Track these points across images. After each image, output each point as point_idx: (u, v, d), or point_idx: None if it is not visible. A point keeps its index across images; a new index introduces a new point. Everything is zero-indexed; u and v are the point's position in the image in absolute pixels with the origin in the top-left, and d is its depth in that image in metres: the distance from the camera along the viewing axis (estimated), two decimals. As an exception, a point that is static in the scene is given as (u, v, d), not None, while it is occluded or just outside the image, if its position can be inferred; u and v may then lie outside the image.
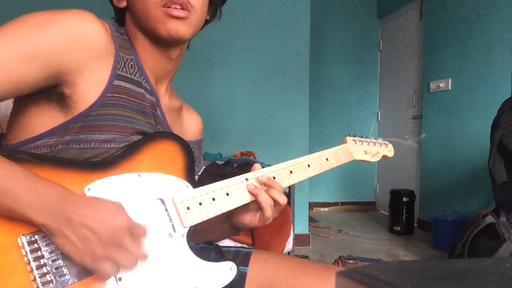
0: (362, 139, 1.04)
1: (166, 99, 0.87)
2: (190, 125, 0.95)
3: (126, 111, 0.73)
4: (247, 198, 0.80)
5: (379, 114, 4.91)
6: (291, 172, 0.87)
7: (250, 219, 0.83)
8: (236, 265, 0.76)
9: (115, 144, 0.71)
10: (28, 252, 0.59)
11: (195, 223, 0.74)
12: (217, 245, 0.91)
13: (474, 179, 3.19)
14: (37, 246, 0.60)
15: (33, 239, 0.60)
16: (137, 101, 0.76)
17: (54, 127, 0.69)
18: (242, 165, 2.26)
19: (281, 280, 0.83)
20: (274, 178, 0.84)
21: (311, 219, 3.95)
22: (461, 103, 3.36)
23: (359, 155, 1.02)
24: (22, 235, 0.60)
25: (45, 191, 0.59)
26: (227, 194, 0.78)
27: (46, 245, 0.61)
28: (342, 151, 0.98)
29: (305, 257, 2.70)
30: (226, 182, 0.79)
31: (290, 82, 3.21)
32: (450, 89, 3.50)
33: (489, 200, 2.96)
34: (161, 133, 0.78)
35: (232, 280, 0.75)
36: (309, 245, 3.27)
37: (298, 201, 3.10)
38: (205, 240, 0.93)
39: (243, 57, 3.15)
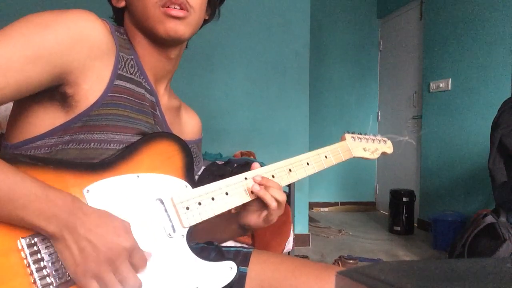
0: (360, 136, 1.03)
1: (165, 99, 0.87)
2: (189, 125, 0.95)
3: (126, 111, 0.73)
4: (246, 198, 0.80)
5: (379, 114, 4.92)
6: (290, 170, 0.87)
7: (255, 220, 0.84)
8: (236, 265, 0.76)
9: (115, 144, 0.71)
10: (28, 255, 0.59)
11: (194, 223, 0.74)
12: (217, 245, 0.91)
13: (474, 179, 3.19)
14: (36, 249, 0.60)
15: (32, 241, 0.60)
16: (137, 101, 0.76)
17: (55, 127, 0.69)
18: (242, 165, 2.26)
19: (281, 280, 0.83)
20: (273, 176, 0.84)
21: (311, 219, 3.95)
22: (461, 103, 3.36)
23: (358, 152, 1.02)
24: (22, 238, 0.59)
25: (54, 200, 0.59)
26: (227, 194, 0.78)
27: (45, 247, 0.60)
28: (341, 148, 0.98)
29: (305, 257, 2.70)
30: (225, 181, 0.79)
31: (290, 82, 3.21)
32: (450, 89, 3.50)
33: (489, 200, 2.96)
34: (159, 133, 0.78)
35: (232, 280, 0.74)
36: (309, 245, 3.27)
37: (298, 201, 3.10)
38: (214, 240, 0.93)
39: (243, 57, 3.15)
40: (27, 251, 0.59)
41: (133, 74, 0.77)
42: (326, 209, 4.86)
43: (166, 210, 0.72)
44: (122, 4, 0.80)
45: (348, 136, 1.01)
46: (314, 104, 4.24)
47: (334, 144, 0.97)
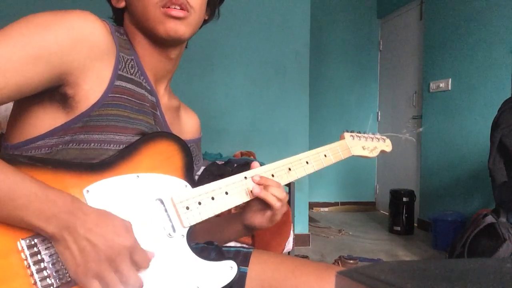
0: (360, 134, 1.03)
1: (165, 99, 0.87)
2: (188, 124, 0.95)
3: (127, 111, 0.73)
4: (246, 197, 0.80)
5: (379, 114, 4.92)
6: (289, 169, 0.87)
7: (259, 220, 0.85)
8: (237, 264, 0.76)
9: (115, 145, 0.71)
10: (28, 256, 0.59)
11: (194, 223, 0.74)
12: (217, 245, 0.91)
13: (474, 179, 3.19)
14: (36, 250, 0.60)
15: (32, 242, 0.60)
16: (137, 101, 0.76)
17: (55, 127, 0.69)
18: (242, 165, 2.26)
19: (281, 280, 0.83)
20: (273, 176, 0.84)
21: (311, 219, 3.95)
22: (461, 103, 3.36)
23: (357, 151, 1.02)
24: (22, 239, 0.59)
25: (54, 200, 0.59)
26: (226, 193, 0.78)
27: (45, 248, 0.60)
28: (340, 147, 0.98)
29: (305, 257, 2.70)
30: (225, 181, 0.79)
31: (290, 82, 3.21)
32: (450, 89, 3.50)
33: (489, 200, 2.96)
34: (159, 133, 0.78)
35: (232, 279, 0.74)
36: (309, 245, 3.27)
37: (298, 201, 3.10)
38: (218, 241, 0.93)
39: (243, 57, 3.15)
40: (27, 252, 0.59)
41: (133, 74, 0.77)
42: (326, 209, 4.86)
43: (166, 210, 0.72)
44: (122, 4, 0.80)
45: (347, 134, 1.01)
46: (314, 104, 4.24)
47: (333, 143, 0.97)
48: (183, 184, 0.75)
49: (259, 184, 0.81)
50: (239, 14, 3.10)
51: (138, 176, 0.70)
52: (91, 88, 0.69)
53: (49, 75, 0.65)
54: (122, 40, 0.77)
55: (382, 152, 1.08)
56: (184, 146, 0.77)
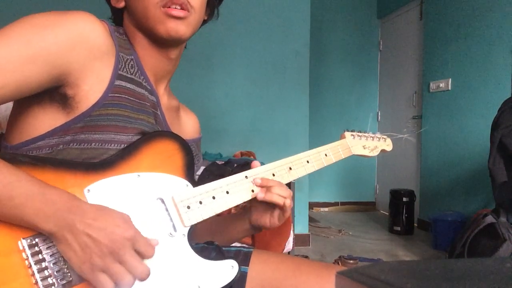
0: (360, 133, 1.04)
1: (165, 99, 0.87)
2: (188, 125, 0.95)
3: (127, 111, 0.73)
4: (247, 196, 0.81)
5: (379, 114, 4.92)
6: (290, 168, 0.87)
7: (269, 221, 0.85)
8: (237, 263, 0.76)
9: (116, 144, 0.71)
10: (29, 256, 0.59)
11: (195, 222, 0.74)
12: (217, 244, 0.91)
13: (474, 179, 3.19)
14: (37, 250, 0.60)
15: (33, 242, 0.60)
16: (137, 101, 0.76)
17: (55, 128, 0.69)
18: (242, 165, 2.26)
19: (281, 279, 0.83)
20: (273, 175, 0.85)
21: (311, 219, 3.95)
22: (461, 103, 3.36)
23: (358, 150, 1.02)
24: (23, 238, 0.59)
25: (52, 198, 0.59)
26: (227, 192, 0.78)
27: (47, 248, 0.60)
28: (340, 146, 0.98)
29: (305, 257, 2.70)
30: (226, 180, 0.79)
31: (290, 82, 3.21)
32: (450, 89, 3.50)
33: (489, 200, 2.96)
34: (159, 132, 0.78)
35: (233, 278, 0.74)
36: (309, 245, 3.27)
37: (298, 201, 3.11)
38: (224, 241, 0.93)
39: (243, 57, 3.15)
40: (28, 252, 0.59)
41: (133, 74, 0.77)
42: (326, 209, 4.86)
43: (167, 209, 0.72)
44: (122, 4, 0.80)
45: (348, 134, 1.01)
46: (314, 104, 4.24)
47: (334, 142, 0.97)
48: (184, 183, 0.75)
49: (261, 186, 0.81)
50: (239, 14, 3.10)
51: (139, 176, 0.70)
52: (91, 88, 0.69)
53: (48, 75, 0.65)
54: (122, 40, 0.77)
55: (383, 151, 1.08)
56: (184, 145, 0.77)
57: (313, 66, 3.66)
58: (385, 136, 1.09)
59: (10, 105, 0.76)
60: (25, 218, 0.58)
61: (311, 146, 0.97)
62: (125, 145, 0.72)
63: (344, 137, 1.00)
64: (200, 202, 0.75)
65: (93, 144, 0.69)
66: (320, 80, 4.69)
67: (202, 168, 2.14)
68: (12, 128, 0.73)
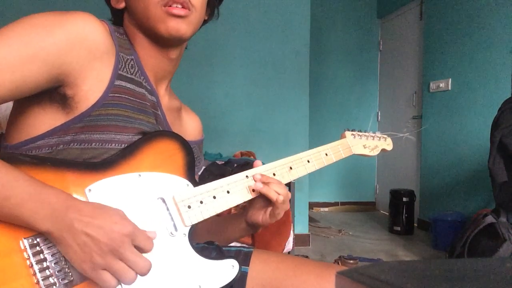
0: (360, 133, 1.04)
1: (166, 99, 0.87)
2: (189, 126, 0.95)
3: (127, 111, 0.73)
4: (248, 196, 0.81)
5: (379, 114, 4.92)
6: (290, 168, 0.88)
7: (262, 218, 0.85)
8: (238, 263, 0.76)
9: (116, 144, 0.71)
10: (30, 255, 0.59)
11: (196, 222, 0.74)
12: (218, 244, 0.91)
13: (474, 179, 3.19)
14: (39, 249, 0.60)
15: (35, 242, 0.60)
16: (138, 101, 0.76)
17: (55, 127, 0.69)
18: (242, 165, 2.26)
19: (282, 279, 0.83)
20: (274, 174, 0.85)
21: (311, 219, 3.95)
22: (461, 103, 3.36)
23: (358, 150, 1.02)
24: (24, 238, 0.59)
25: (48, 199, 0.59)
26: (228, 192, 0.78)
27: (48, 247, 0.60)
28: (341, 146, 0.98)
29: (305, 257, 2.70)
30: (227, 180, 0.79)
31: (290, 82, 3.21)
32: (450, 89, 3.50)
33: (489, 200, 2.96)
34: (160, 132, 0.78)
35: (234, 278, 0.75)
36: (309, 245, 3.27)
37: (298, 201, 3.11)
38: (223, 240, 0.93)
39: (243, 57, 3.15)
40: (29, 252, 0.59)
41: (134, 74, 0.77)
42: (326, 209, 4.86)
43: (168, 209, 0.72)
44: (122, 5, 0.80)
45: (348, 133, 1.02)
46: (314, 104, 4.24)
47: (334, 141, 0.97)
48: (185, 183, 0.75)
49: (260, 182, 0.81)
50: (239, 14, 3.10)
51: (140, 175, 0.70)
52: (90, 89, 0.69)
53: (48, 75, 0.65)
54: (122, 40, 0.77)
55: (383, 151, 1.08)
56: (185, 145, 0.77)
57: (313, 66, 3.66)
58: (385, 136, 1.10)
59: (10, 104, 0.76)
60: (22, 218, 0.58)
61: (311, 146, 0.97)
62: (126, 145, 0.72)
63: (345, 137, 1.01)
64: (201, 202, 0.75)
65: (93, 144, 0.69)
66: (320, 80, 4.69)
67: (202, 168, 2.15)
68: (12, 128, 0.73)
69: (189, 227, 0.73)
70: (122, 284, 0.62)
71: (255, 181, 0.82)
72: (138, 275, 0.62)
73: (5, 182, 0.57)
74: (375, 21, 4.95)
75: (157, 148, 0.74)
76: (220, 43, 3.10)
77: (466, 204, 3.24)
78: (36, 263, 0.59)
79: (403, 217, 3.69)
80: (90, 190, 0.65)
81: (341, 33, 4.84)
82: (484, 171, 2.62)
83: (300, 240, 3.21)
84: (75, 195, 0.64)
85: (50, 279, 0.59)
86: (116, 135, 0.71)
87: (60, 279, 0.60)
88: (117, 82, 0.73)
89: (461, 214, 3.14)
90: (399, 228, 3.69)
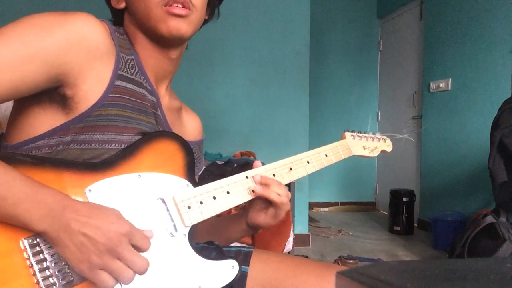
0: (360, 134, 1.04)
1: (166, 99, 0.87)
2: (190, 126, 0.95)
3: (127, 111, 0.73)
4: (248, 196, 0.81)
5: (379, 114, 4.92)
6: (290, 169, 0.87)
7: (263, 218, 0.85)
8: (238, 263, 0.76)
9: (116, 145, 0.71)
10: (30, 255, 0.59)
11: (196, 222, 0.74)
12: (218, 244, 0.91)
13: (474, 179, 3.19)
14: (39, 249, 0.60)
15: (35, 242, 0.60)
16: (138, 101, 0.76)
17: (55, 127, 0.69)
18: (242, 165, 2.26)
19: (282, 279, 0.83)
20: (274, 175, 0.85)
21: (311, 219, 3.95)
22: (461, 103, 3.36)
23: (358, 151, 1.02)
24: (24, 238, 0.59)
25: (45, 199, 0.59)
26: (228, 193, 0.78)
27: (48, 248, 0.60)
28: (341, 147, 0.98)
29: (305, 257, 2.70)
30: (227, 180, 0.79)
31: (290, 82, 3.21)
32: (450, 89, 3.50)
33: (489, 200, 2.96)
34: (160, 132, 0.78)
35: (234, 278, 0.75)
36: (309, 245, 3.27)
37: (298, 201, 3.11)
38: (223, 241, 0.93)
39: (243, 57, 3.15)
40: (29, 252, 0.59)
41: (134, 74, 0.77)
42: (326, 209, 4.86)
43: (167, 209, 0.72)
44: (122, 5, 0.80)
45: (348, 134, 1.02)
46: (314, 104, 4.24)
47: (334, 142, 0.97)
48: (185, 183, 0.75)
49: (260, 183, 0.81)
50: (239, 14, 3.10)
51: (140, 176, 0.70)
52: (90, 89, 0.69)
53: (47, 75, 0.65)
54: (122, 40, 0.77)
55: (383, 152, 1.08)
56: (185, 145, 0.77)
57: (313, 66, 3.66)
58: (385, 137, 1.10)
59: (10, 104, 0.76)
60: (18, 218, 0.58)
61: (311, 146, 0.97)
62: (126, 145, 0.72)
63: (344, 138, 1.01)
64: (201, 202, 0.75)
65: (93, 144, 0.69)
66: (320, 80, 4.69)
67: (202, 168, 2.15)
68: (12, 128, 0.73)
69: (189, 228, 0.73)
70: (122, 284, 0.62)
71: (255, 183, 0.81)
72: (136, 274, 0.62)
73: (3, 182, 0.57)
74: (375, 21, 4.95)
75: (157, 148, 0.74)
76: (220, 43, 3.10)
77: (466, 204, 3.24)
78: (36, 263, 0.59)
79: (403, 217, 3.69)
80: (90, 190, 0.65)
81: (341, 33, 4.85)
82: (484, 171, 2.62)
83: (300, 240, 3.21)
84: (74, 196, 0.63)
85: (50, 279, 0.59)
86: (116, 135, 0.71)
87: (60, 279, 0.60)
88: (117, 82, 0.73)
89: (461, 214, 3.14)
90: (399, 228, 3.69)
